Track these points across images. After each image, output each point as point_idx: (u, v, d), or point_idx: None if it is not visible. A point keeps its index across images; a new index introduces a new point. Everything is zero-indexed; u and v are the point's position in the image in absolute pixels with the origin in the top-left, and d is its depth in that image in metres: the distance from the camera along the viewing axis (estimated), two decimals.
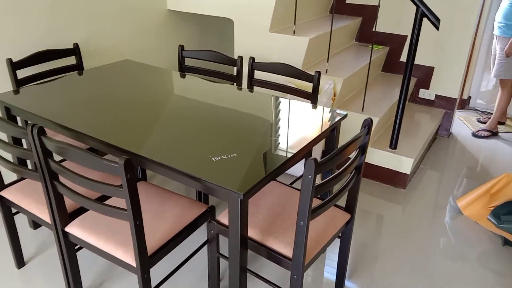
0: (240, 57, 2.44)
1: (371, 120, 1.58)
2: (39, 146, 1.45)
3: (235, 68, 2.48)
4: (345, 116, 1.91)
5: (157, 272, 2.04)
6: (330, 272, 2.09)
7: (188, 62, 2.71)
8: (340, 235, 1.81)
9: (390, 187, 2.87)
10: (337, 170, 1.44)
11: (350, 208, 1.75)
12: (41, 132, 1.43)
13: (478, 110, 4.33)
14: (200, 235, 2.28)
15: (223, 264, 2.08)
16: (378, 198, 2.75)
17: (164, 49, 3.45)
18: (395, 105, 3.19)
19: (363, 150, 1.60)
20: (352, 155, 1.53)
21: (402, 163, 2.79)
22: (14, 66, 2.28)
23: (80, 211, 1.75)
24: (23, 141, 2.25)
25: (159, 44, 3.39)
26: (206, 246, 2.07)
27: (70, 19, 2.63)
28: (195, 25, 3.72)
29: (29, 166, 2.42)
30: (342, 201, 1.67)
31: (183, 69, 2.69)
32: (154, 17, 3.26)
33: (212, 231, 1.68)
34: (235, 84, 2.53)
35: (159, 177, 2.89)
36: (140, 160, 1.52)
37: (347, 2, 3.89)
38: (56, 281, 1.98)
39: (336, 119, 1.85)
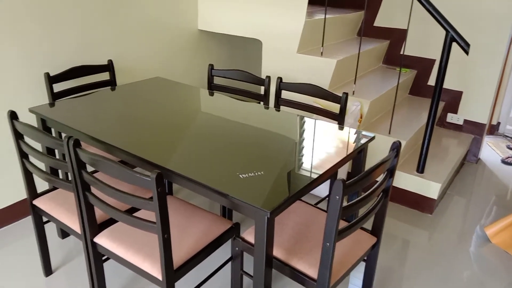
0: (268, 77, 2.48)
1: (400, 143, 1.58)
2: (73, 157, 1.50)
3: (262, 87, 2.52)
4: (373, 138, 1.90)
5: (182, 286, 2.05)
6: None
7: (216, 80, 2.77)
8: (365, 258, 1.79)
9: (416, 212, 2.83)
10: (363, 192, 1.43)
11: (376, 231, 1.74)
12: (77, 144, 1.48)
13: (507, 136, 4.24)
14: (221, 251, 2.29)
15: (245, 281, 2.07)
16: (404, 222, 2.70)
17: (193, 67, 3.53)
18: (423, 128, 3.16)
19: (391, 173, 1.59)
20: (379, 178, 1.52)
21: (430, 187, 2.74)
22: (51, 80, 2.37)
23: (108, 222, 1.79)
24: (56, 151, 2.33)
25: (189, 62, 3.47)
26: (229, 263, 2.07)
27: (104, 36, 2.73)
28: (224, 44, 3.80)
29: (60, 176, 2.49)
30: (368, 224, 1.66)
31: (212, 87, 2.75)
32: (185, 36, 3.36)
33: (237, 248, 1.69)
34: (261, 103, 2.56)
35: (183, 191, 2.93)
36: (169, 174, 1.55)
37: (374, 25, 3.91)
38: None
39: (364, 141, 1.85)
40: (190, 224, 1.71)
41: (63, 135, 2.51)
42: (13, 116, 1.74)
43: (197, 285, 1.70)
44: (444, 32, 3.44)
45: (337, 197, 1.28)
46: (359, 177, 1.35)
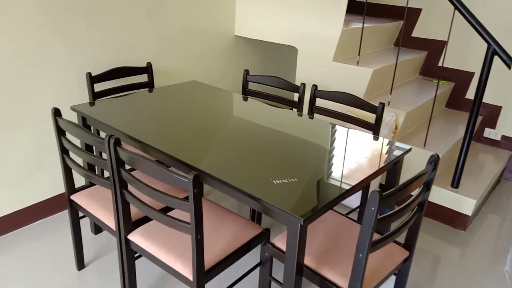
0: (303, 84, 2.48)
1: (438, 156, 1.55)
2: (113, 155, 1.54)
3: (296, 94, 2.52)
4: (409, 150, 1.88)
5: None
6: None
7: (250, 86, 2.79)
8: (396, 272, 1.75)
9: (448, 228, 2.76)
10: (396, 206, 1.41)
11: (409, 245, 1.71)
12: (117, 143, 1.53)
13: None
14: (249, 256, 2.30)
15: (273, 287, 2.08)
16: (436, 237, 2.64)
17: (228, 72, 3.58)
18: (459, 142, 3.09)
19: (427, 186, 1.56)
20: (415, 192, 1.50)
21: (464, 203, 2.67)
22: (92, 79, 2.45)
23: (142, 220, 1.83)
24: (94, 149, 2.40)
25: (224, 67, 3.52)
26: (257, 268, 2.07)
27: (144, 39, 2.81)
28: (259, 50, 3.83)
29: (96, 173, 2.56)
30: (400, 238, 1.63)
31: (246, 93, 2.77)
32: (222, 41, 3.40)
33: (267, 254, 1.69)
34: (293, 109, 2.57)
35: (213, 194, 2.96)
36: (204, 176, 1.57)
37: (412, 35, 3.85)
38: (111, 285, 2.06)
39: (400, 153, 1.83)
40: (221, 226, 1.73)
41: (101, 133, 2.59)
42: (56, 113, 1.81)
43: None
44: (485, 44, 3.36)
45: (373, 208, 1.26)
46: (396, 189, 1.33)
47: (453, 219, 2.74)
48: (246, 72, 2.75)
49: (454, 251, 2.52)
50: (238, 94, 2.58)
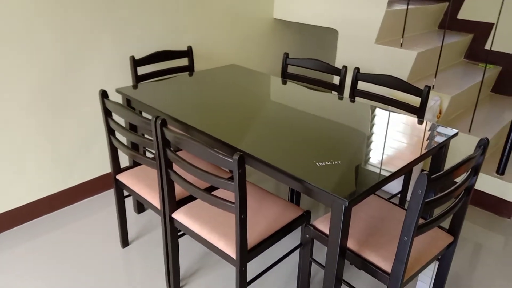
0: (345, 67, 2.44)
1: (488, 140, 1.50)
2: (160, 136, 1.58)
3: (336, 77, 2.48)
4: (456, 134, 1.82)
5: (250, 268, 2.10)
6: None
7: (289, 69, 2.78)
8: (439, 257, 1.73)
9: (492, 215, 2.68)
10: (439, 193, 1.38)
11: (454, 230, 1.67)
12: (164, 123, 1.56)
13: None
14: (288, 238, 2.31)
15: (313, 268, 2.08)
16: (478, 225, 2.57)
17: (267, 56, 3.57)
18: (505, 128, 2.97)
19: (475, 171, 1.52)
20: (459, 178, 1.46)
21: (509, 190, 2.58)
22: (135, 63, 2.50)
23: (185, 200, 1.87)
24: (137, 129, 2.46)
25: (263, 50, 3.51)
26: (297, 250, 2.09)
27: (184, 23, 2.83)
28: (298, 33, 3.79)
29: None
30: (445, 223, 1.60)
31: (286, 76, 2.76)
32: (261, 25, 3.39)
33: (308, 236, 1.70)
34: (332, 92, 2.54)
35: (253, 176, 2.99)
36: (247, 157, 1.59)
37: (458, 17, 3.71)
38: (155, 263, 2.13)
39: (446, 137, 1.78)
40: (263, 207, 1.75)
41: (144, 114, 2.65)
42: (104, 95, 1.86)
43: (266, 268, 1.74)
44: None
45: (420, 191, 1.24)
46: (445, 172, 1.30)
47: (497, 206, 2.66)
48: (286, 55, 2.73)
49: (497, 239, 2.45)
50: (278, 77, 2.57)
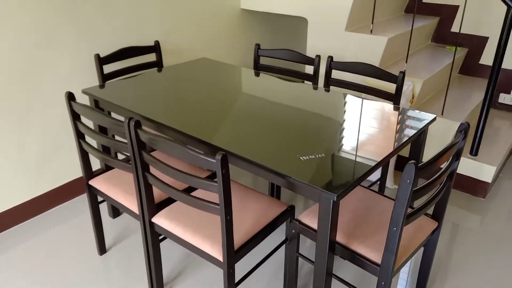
0: (318, 56, 2.41)
1: (468, 125, 1.50)
2: (134, 138, 1.50)
3: (308, 66, 2.45)
4: (434, 119, 1.82)
5: (236, 268, 2.05)
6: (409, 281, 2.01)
7: (261, 60, 2.72)
8: (424, 244, 1.73)
9: (468, 196, 2.73)
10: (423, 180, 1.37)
11: (437, 216, 1.67)
12: (138, 125, 1.48)
13: None
14: (273, 235, 2.28)
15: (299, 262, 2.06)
16: (456, 206, 2.61)
17: (236, 48, 3.49)
18: (476, 109, 3.03)
19: (457, 155, 1.52)
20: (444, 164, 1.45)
21: (483, 171, 2.63)
22: (101, 61, 2.38)
23: (164, 202, 1.80)
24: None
25: (232, 42, 3.43)
26: (282, 246, 2.06)
27: (150, 16, 2.72)
28: (267, 23, 3.73)
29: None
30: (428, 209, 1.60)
31: (259, 68, 2.70)
32: (229, 16, 3.31)
33: (293, 231, 1.66)
34: (305, 82, 2.50)
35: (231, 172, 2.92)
36: (227, 155, 1.53)
37: (423, 1, 3.74)
38: (136, 269, 2.05)
39: (425, 123, 1.78)
40: (246, 205, 1.70)
41: (113, 114, 2.54)
42: (70, 97, 1.76)
43: (254, 266, 1.70)
44: (504, 7, 3.25)
45: (408, 180, 1.22)
46: (431, 159, 1.29)
47: (473, 187, 2.71)
48: (258, 46, 2.67)
49: (474, 218, 2.50)
50: (250, 69, 2.51)
